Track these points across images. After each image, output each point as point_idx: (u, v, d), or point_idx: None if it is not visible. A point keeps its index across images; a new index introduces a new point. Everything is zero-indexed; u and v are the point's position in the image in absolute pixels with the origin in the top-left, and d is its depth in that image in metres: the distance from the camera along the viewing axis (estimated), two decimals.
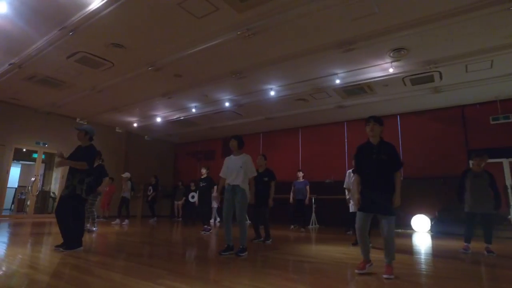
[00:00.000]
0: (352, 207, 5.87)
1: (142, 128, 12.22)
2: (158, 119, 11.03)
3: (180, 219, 11.84)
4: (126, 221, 9.44)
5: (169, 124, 11.63)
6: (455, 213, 8.03)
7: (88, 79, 7.99)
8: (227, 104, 9.28)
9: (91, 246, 4.92)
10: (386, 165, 3.21)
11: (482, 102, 8.80)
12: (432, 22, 5.23)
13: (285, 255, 4.56)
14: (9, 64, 7.22)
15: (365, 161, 3.36)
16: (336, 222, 9.65)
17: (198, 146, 15.00)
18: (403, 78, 7.47)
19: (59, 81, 8.20)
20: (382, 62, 6.82)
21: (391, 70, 6.84)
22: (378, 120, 3.37)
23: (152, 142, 14.27)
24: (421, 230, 8.71)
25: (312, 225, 9.95)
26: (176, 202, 12.04)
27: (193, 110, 9.94)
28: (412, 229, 8.86)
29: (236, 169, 4.54)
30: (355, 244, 5.35)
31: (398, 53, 6.35)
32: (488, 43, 5.89)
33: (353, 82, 7.54)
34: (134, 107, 10.08)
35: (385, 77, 7.27)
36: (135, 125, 11.83)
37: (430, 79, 7.45)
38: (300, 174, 8.93)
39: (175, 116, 10.84)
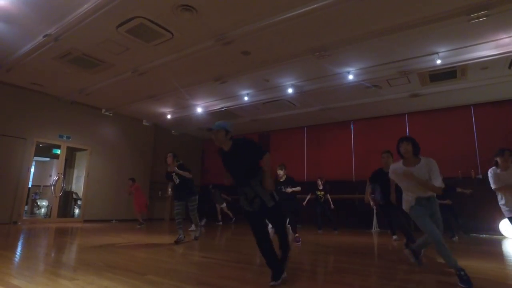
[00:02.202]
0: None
1: (176, 120, 10.86)
2: (199, 109, 9.70)
3: (221, 223, 10.55)
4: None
5: (208, 116, 10.31)
6: None
7: (134, 57, 6.68)
8: (290, 90, 7.99)
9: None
10: None
11: None
12: None
13: None
14: (44, 36, 5.88)
15: None
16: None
17: None
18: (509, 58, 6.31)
19: (98, 60, 6.87)
20: (505, 36, 5.64)
21: None
22: None
23: (180, 137, 12.93)
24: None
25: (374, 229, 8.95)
26: (218, 206, 10.71)
27: (245, 98, 8.65)
28: (500, 234, 7.72)
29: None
30: None
31: None
32: None
33: (457, 62, 6.32)
34: (174, 94, 8.77)
35: (500, 56, 6.08)
36: (168, 116, 10.47)
37: None
38: None
39: (219, 106, 9.54)
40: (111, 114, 10.47)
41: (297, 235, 5.86)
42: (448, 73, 7.03)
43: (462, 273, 2.79)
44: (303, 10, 4.96)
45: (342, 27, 5.50)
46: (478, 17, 4.94)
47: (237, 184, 3.19)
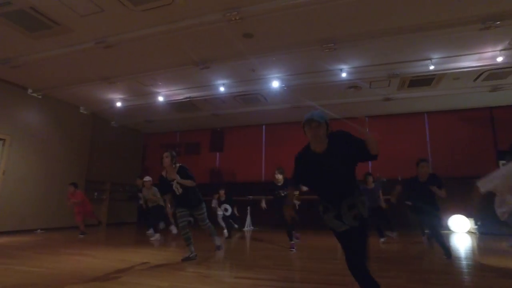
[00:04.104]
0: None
1: (125, 110, 9.19)
2: (160, 98, 8.34)
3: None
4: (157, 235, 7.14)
5: (166, 106, 8.99)
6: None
7: (106, 23, 5.23)
8: (275, 83, 7.39)
9: None
10: None
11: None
12: None
13: None
14: None
15: None
16: None
17: (177, 137, 12.37)
18: (482, 72, 6.94)
19: (51, 20, 5.17)
20: (490, 50, 6.10)
21: (499, 59, 6.16)
22: None
23: (119, 129, 11.08)
24: (460, 231, 8.41)
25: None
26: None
27: (221, 88, 7.72)
28: (449, 229, 8.52)
29: None
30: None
31: None
32: None
33: (448, 69, 6.64)
34: (137, 78, 7.34)
35: (479, 68, 6.58)
36: (118, 104, 8.78)
37: (509, 74, 7.06)
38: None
39: (184, 95, 8.35)
40: (40, 97, 8.29)
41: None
42: (427, 80, 7.40)
43: None
44: None
45: (354, 21, 5.19)
46: (489, 27, 5.19)
47: (323, 199, 2.41)
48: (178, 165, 4.60)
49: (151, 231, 7.37)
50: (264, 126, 11.52)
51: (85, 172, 9.60)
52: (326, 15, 5.03)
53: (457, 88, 7.74)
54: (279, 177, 5.89)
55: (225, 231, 7.53)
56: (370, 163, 9.57)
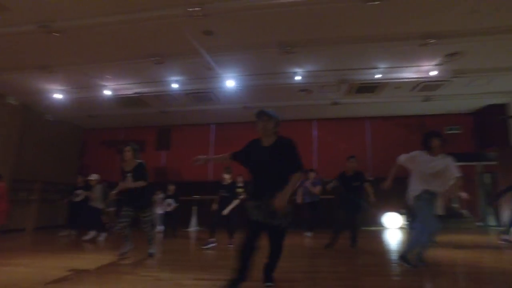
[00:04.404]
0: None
1: (65, 102, 8.36)
2: (107, 92, 7.76)
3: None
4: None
5: (111, 101, 8.41)
6: None
7: (54, 6, 4.72)
8: (230, 83, 7.33)
9: None
10: None
11: (440, 114, 10.07)
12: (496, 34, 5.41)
13: None
14: None
15: None
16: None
17: (121, 133, 11.63)
18: (419, 83, 7.68)
19: None
20: (426, 64, 6.77)
21: (433, 73, 6.87)
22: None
23: (55, 124, 10.08)
24: (393, 227, 9.24)
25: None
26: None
27: (174, 85, 7.44)
28: (383, 226, 9.30)
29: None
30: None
31: (450, 57, 6.41)
32: None
33: (391, 79, 7.22)
34: (82, 69, 6.75)
35: (416, 80, 7.27)
36: (57, 96, 7.95)
37: (438, 87, 7.91)
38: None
39: (133, 90, 7.89)
40: None
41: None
42: (371, 88, 7.95)
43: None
44: (285, 0, 4.63)
45: (312, 28, 5.39)
46: (425, 44, 5.76)
47: (257, 190, 2.75)
48: (138, 161, 4.46)
49: (90, 234, 6.82)
50: (213, 125, 11.39)
51: (12, 169, 8.55)
52: (287, 20, 5.14)
53: (397, 96, 8.45)
54: (227, 176, 5.99)
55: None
56: (315, 162, 10.12)
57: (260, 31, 5.48)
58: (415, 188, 3.84)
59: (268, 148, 2.76)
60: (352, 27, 5.39)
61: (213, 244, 5.72)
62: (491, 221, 9.36)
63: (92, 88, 7.74)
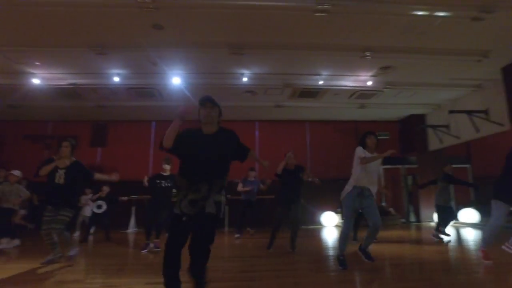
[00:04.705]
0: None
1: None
2: (36, 81, 6.96)
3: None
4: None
5: (41, 92, 7.59)
6: None
7: None
8: (176, 80, 7.12)
9: None
10: None
11: (372, 120, 11.00)
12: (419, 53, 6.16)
13: None
14: None
15: None
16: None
17: (49, 127, 10.54)
18: (356, 92, 8.32)
19: None
20: (364, 75, 7.37)
21: (369, 83, 7.50)
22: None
23: None
24: (330, 225, 9.88)
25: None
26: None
27: (116, 79, 6.99)
28: (321, 224, 9.90)
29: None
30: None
31: (384, 70, 7.07)
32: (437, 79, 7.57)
33: (332, 86, 7.70)
34: (4, 51, 5.97)
35: (353, 88, 7.87)
36: None
37: (372, 95, 8.65)
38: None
39: (67, 81, 7.22)
40: None
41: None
42: (313, 93, 8.38)
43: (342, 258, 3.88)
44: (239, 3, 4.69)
45: (262, 31, 5.50)
46: (364, 57, 6.28)
47: (192, 178, 2.57)
48: (74, 159, 4.17)
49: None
50: (154, 122, 10.96)
51: None
52: (239, 22, 5.18)
53: (335, 102, 9.04)
54: (167, 167, 5.78)
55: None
56: (256, 163, 10.30)
57: (211, 30, 5.43)
58: (349, 186, 4.09)
59: (211, 136, 2.66)
60: (300, 35, 5.63)
61: (152, 245, 5.53)
62: (412, 217, 10.50)
63: (16, 74, 6.89)
